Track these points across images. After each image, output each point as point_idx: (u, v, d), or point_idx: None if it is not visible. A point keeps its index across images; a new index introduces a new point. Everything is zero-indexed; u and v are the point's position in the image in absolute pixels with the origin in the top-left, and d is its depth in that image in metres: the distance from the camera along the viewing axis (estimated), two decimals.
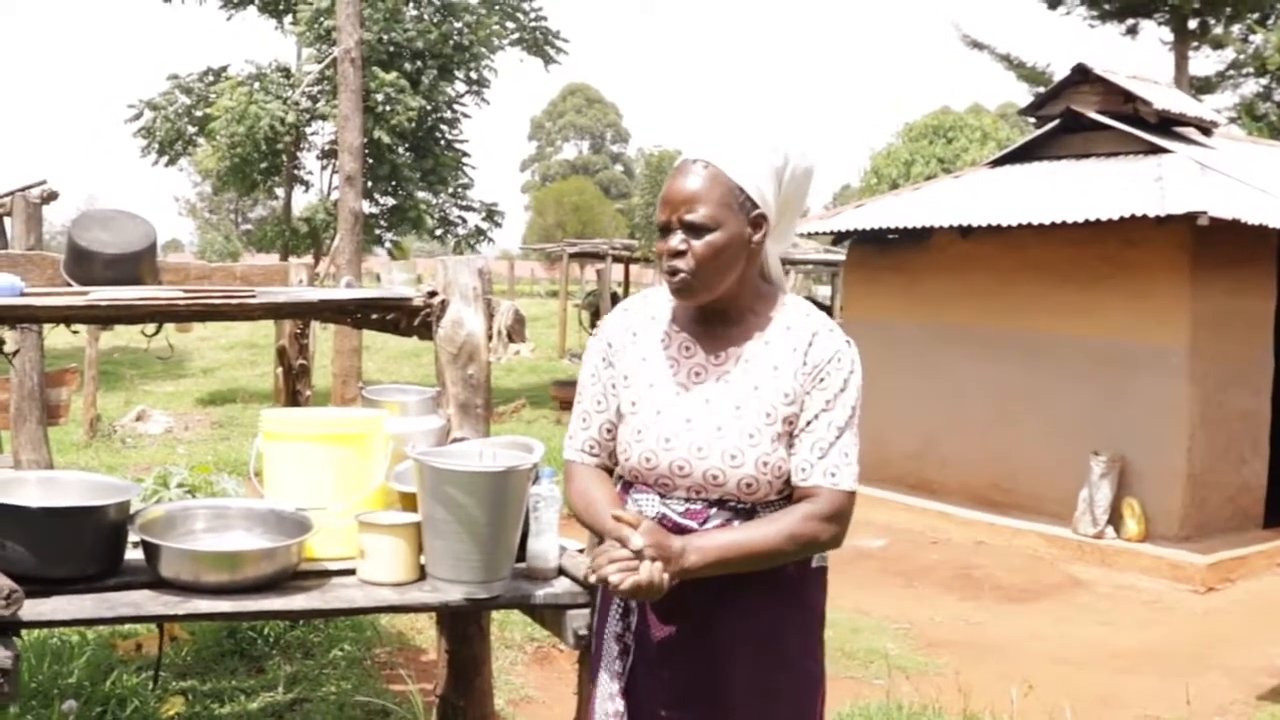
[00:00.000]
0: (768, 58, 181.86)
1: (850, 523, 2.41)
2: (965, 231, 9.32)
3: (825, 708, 2.55)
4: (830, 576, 2.56)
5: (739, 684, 2.42)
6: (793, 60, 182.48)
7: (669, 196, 2.39)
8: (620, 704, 2.49)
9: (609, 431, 2.55)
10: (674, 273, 2.39)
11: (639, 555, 2.23)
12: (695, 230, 2.36)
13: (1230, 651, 6.76)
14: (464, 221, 20.37)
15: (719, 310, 2.46)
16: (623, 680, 2.49)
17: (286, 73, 19.22)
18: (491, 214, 20.61)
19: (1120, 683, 6.17)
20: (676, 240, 2.37)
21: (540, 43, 20.47)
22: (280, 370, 5.57)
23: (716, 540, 2.33)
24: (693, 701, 2.43)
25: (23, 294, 3.43)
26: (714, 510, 2.40)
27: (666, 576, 2.24)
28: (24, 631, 2.59)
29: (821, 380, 2.39)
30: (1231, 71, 24.50)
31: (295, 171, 19.81)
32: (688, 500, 2.42)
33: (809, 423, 2.38)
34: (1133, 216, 7.99)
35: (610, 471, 2.60)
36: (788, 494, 2.42)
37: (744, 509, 2.40)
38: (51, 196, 6.93)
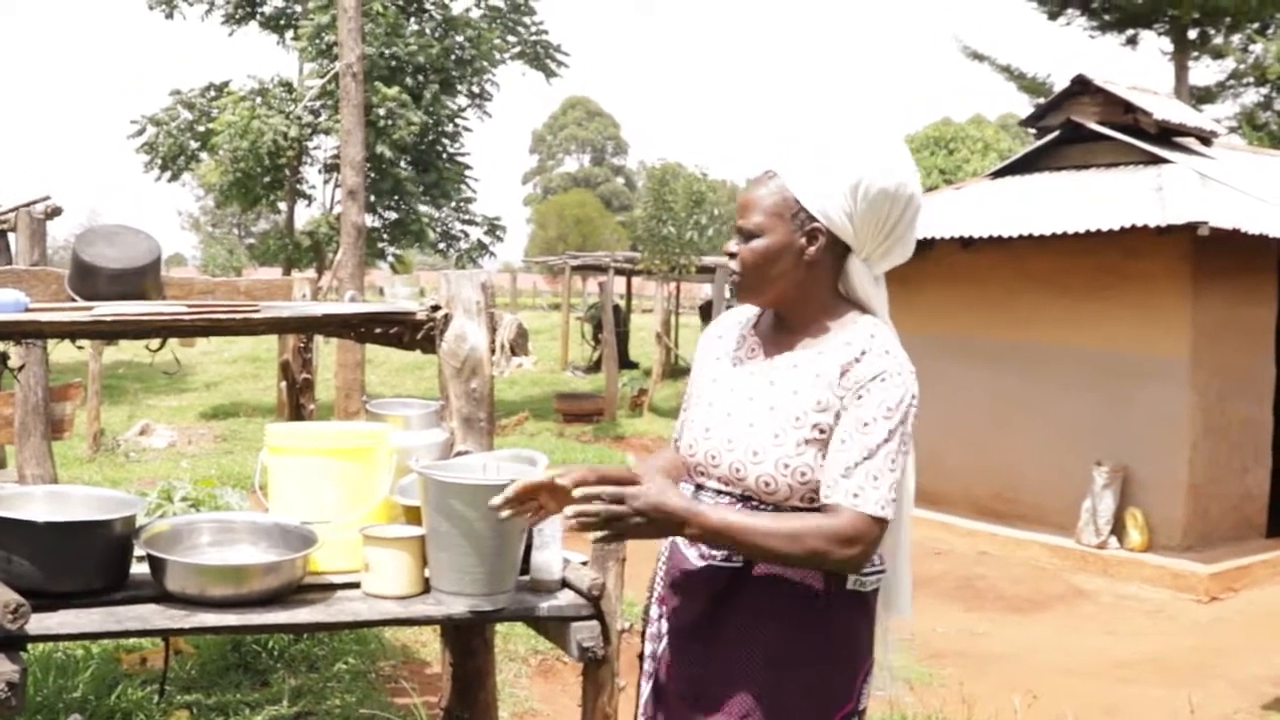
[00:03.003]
0: (766, 70, 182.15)
1: (873, 549, 2.35)
2: (966, 243, 9.33)
3: None
4: None
5: (744, 689, 2.42)
6: (792, 72, 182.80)
7: (738, 202, 2.53)
8: (647, 688, 2.58)
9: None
10: (732, 273, 2.51)
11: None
12: (745, 235, 2.46)
13: (1234, 661, 6.76)
14: (466, 236, 20.39)
15: (785, 318, 2.53)
16: (653, 663, 2.58)
17: (289, 87, 19.25)
18: (494, 228, 20.63)
19: (1124, 692, 6.18)
20: (732, 244, 2.50)
21: (541, 57, 20.50)
22: (283, 384, 5.58)
23: (719, 511, 2.36)
24: (701, 696, 2.45)
25: (27, 309, 3.44)
26: (739, 505, 2.42)
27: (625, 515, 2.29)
28: (30, 645, 2.61)
29: (860, 398, 2.37)
30: (1232, 81, 24.53)
31: (298, 186, 19.83)
32: (718, 493, 2.46)
33: (843, 441, 2.36)
34: (1133, 227, 8.01)
35: None
36: (820, 505, 2.41)
37: (766, 509, 2.41)
38: (55, 212, 6.95)
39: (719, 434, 2.47)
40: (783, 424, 2.40)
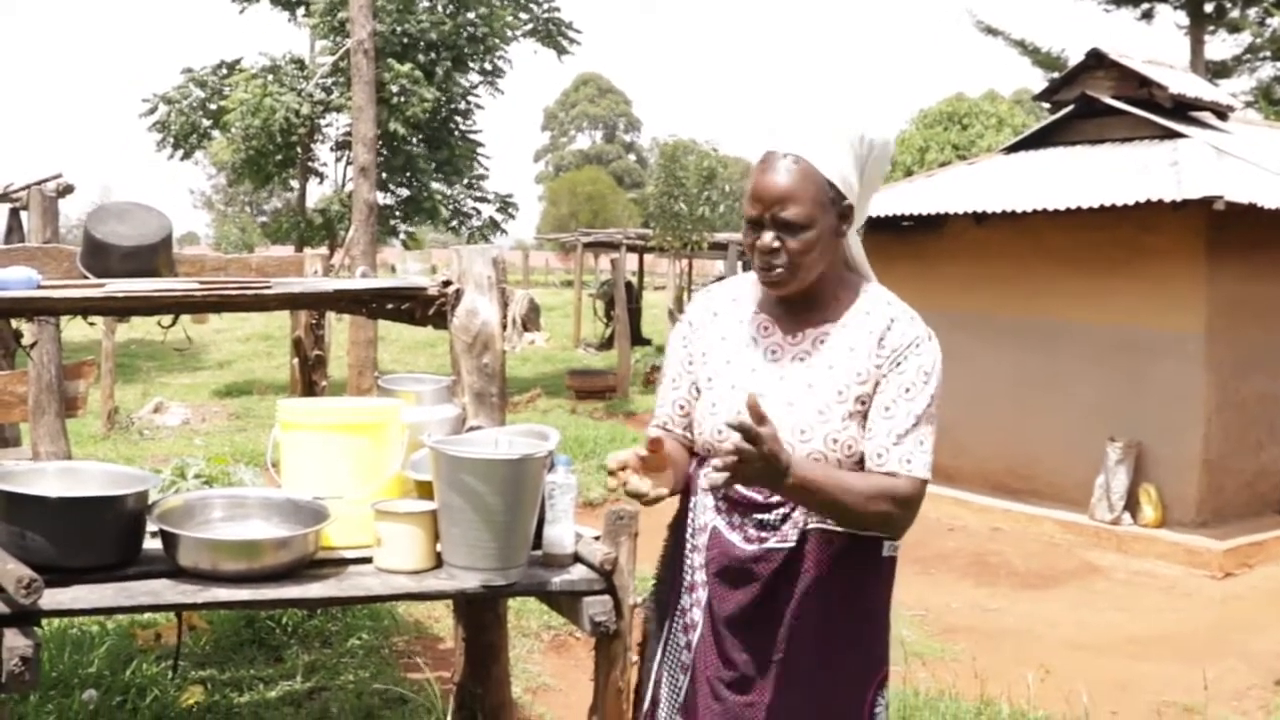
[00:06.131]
0: (778, 45, 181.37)
1: (917, 511, 2.42)
2: (980, 218, 9.30)
3: (884, 695, 2.55)
4: None
5: (797, 663, 2.43)
6: (804, 46, 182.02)
7: (761, 192, 2.38)
8: (684, 680, 2.52)
9: (682, 408, 2.60)
10: (768, 268, 2.41)
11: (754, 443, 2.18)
12: (789, 228, 2.37)
13: (1248, 637, 6.75)
14: (478, 213, 20.38)
15: (801, 295, 2.48)
16: (689, 654, 2.51)
17: (300, 65, 19.23)
18: (506, 205, 20.62)
19: (1137, 668, 6.17)
20: (769, 238, 2.38)
21: (553, 34, 20.45)
22: (296, 361, 5.58)
23: (815, 466, 2.34)
24: (751, 682, 2.44)
25: (39, 287, 3.44)
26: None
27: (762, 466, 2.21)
28: (44, 621, 2.61)
29: (899, 365, 2.42)
30: (1248, 55, 24.37)
31: (310, 163, 19.84)
32: None
33: (887, 408, 2.40)
34: (1148, 201, 7.97)
35: (688, 448, 2.61)
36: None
37: None
38: (67, 190, 6.94)
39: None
40: (826, 400, 2.41)
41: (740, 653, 2.45)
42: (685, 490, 2.61)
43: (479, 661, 3.82)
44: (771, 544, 2.42)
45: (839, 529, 2.42)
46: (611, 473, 2.31)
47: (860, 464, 2.42)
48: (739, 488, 2.41)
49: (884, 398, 2.41)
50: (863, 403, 2.42)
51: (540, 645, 6.00)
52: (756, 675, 2.44)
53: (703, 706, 2.49)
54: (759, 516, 2.42)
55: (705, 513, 2.50)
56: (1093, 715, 5.15)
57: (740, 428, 2.17)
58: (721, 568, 2.46)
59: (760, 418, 2.21)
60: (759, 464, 2.19)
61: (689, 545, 2.55)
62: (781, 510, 2.42)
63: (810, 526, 2.41)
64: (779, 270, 2.40)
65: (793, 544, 2.41)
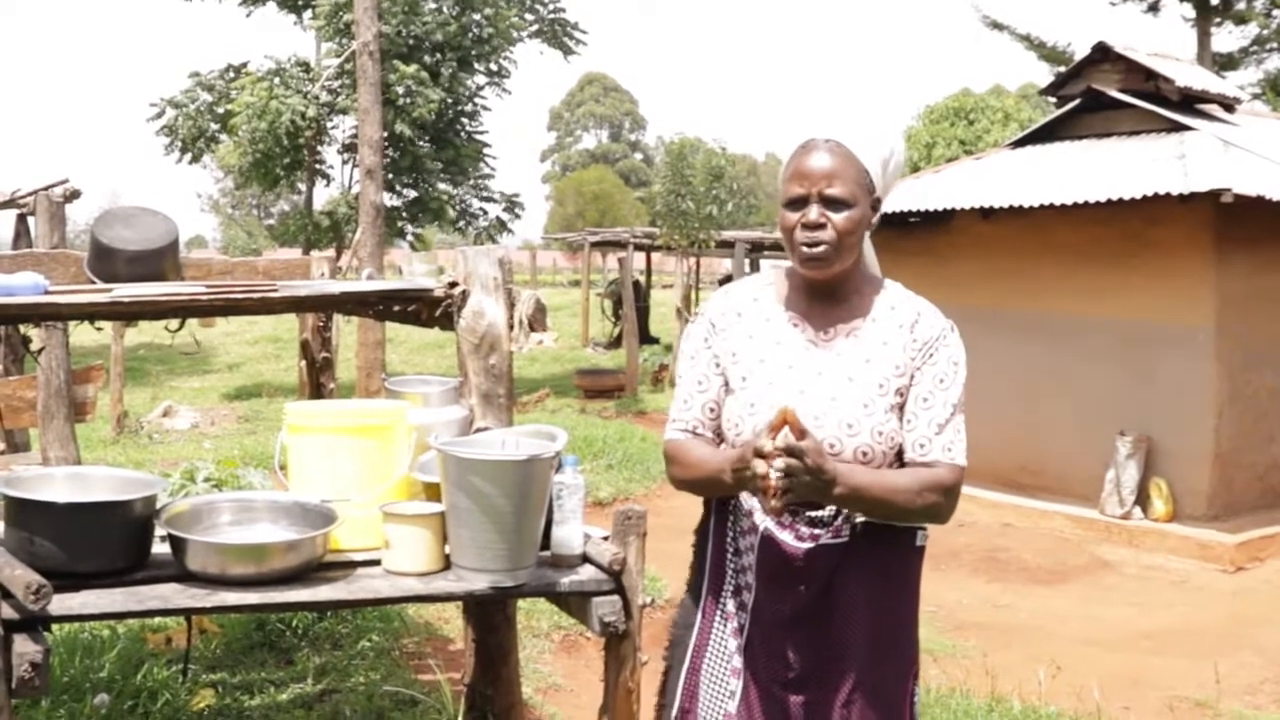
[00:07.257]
0: (784, 42, 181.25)
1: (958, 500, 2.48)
2: (987, 213, 9.28)
3: (917, 685, 2.61)
4: None
5: (852, 663, 2.45)
6: (810, 42, 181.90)
7: (806, 171, 2.44)
8: (736, 684, 2.51)
9: (711, 410, 2.56)
10: (812, 244, 2.44)
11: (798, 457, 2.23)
12: (835, 204, 2.42)
13: (1260, 631, 6.73)
14: (485, 213, 20.39)
15: (829, 289, 2.52)
16: (740, 657, 2.51)
17: (306, 67, 19.25)
18: (512, 205, 20.62)
19: (1149, 663, 6.15)
20: (815, 213, 2.43)
21: (559, 34, 20.45)
22: (304, 364, 5.58)
23: (858, 470, 2.37)
24: (808, 680, 2.45)
25: (47, 292, 3.45)
26: None
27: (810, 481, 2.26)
28: (55, 626, 2.62)
29: (931, 356, 2.48)
30: (1255, 47, 24.30)
31: (317, 166, 19.84)
32: None
33: (925, 399, 2.46)
34: (1155, 195, 7.94)
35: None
36: (898, 468, 2.47)
37: None
38: (74, 195, 6.96)
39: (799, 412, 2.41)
40: (869, 394, 2.44)
41: (795, 651, 2.46)
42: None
43: (489, 662, 3.83)
44: (825, 540, 2.42)
45: (882, 521, 2.45)
46: (763, 456, 2.27)
47: (899, 455, 2.45)
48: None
49: (920, 389, 2.46)
50: (900, 394, 2.46)
51: (550, 646, 5.99)
52: (813, 673, 2.45)
53: (759, 709, 2.49)
54: (811, 514, 2.42)
55: (752, 515, 2.47)
56: (1104, 711, 5.15)
57: (787, 449, 2.22)
58: (774, 569, 2.45)
59: (801, 432, 2.25)
60: (807, 479, 2.24)
61: (731, 550, 2.54)
62: (833, 505, 2.42)
63: (859, 520, 2.43)
64: (824, 247, 2.42)
65: (846, 539, 2.43)
